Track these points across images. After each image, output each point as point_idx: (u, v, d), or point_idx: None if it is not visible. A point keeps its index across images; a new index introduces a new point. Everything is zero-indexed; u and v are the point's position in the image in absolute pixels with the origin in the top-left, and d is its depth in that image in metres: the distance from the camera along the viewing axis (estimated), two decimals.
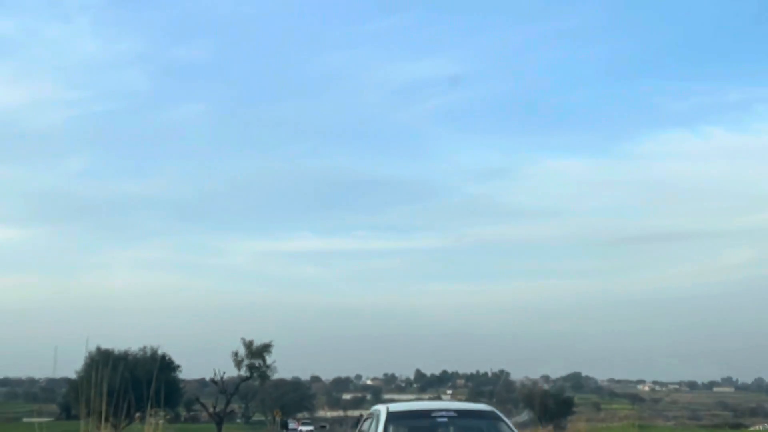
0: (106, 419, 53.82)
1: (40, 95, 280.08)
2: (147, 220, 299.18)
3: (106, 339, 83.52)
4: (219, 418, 52.86)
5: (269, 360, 56.61)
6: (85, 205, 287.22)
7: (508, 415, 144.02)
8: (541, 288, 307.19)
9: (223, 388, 52.86)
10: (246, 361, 55.59)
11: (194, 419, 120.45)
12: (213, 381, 52.96)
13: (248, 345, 55.74)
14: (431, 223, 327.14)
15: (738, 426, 71.51)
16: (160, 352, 79.74)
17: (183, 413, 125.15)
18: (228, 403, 54.44)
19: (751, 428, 72.66)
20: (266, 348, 56.05)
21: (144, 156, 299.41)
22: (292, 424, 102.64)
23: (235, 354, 55.10)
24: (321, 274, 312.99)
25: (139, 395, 64.42)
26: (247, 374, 55.72)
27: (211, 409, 54.18)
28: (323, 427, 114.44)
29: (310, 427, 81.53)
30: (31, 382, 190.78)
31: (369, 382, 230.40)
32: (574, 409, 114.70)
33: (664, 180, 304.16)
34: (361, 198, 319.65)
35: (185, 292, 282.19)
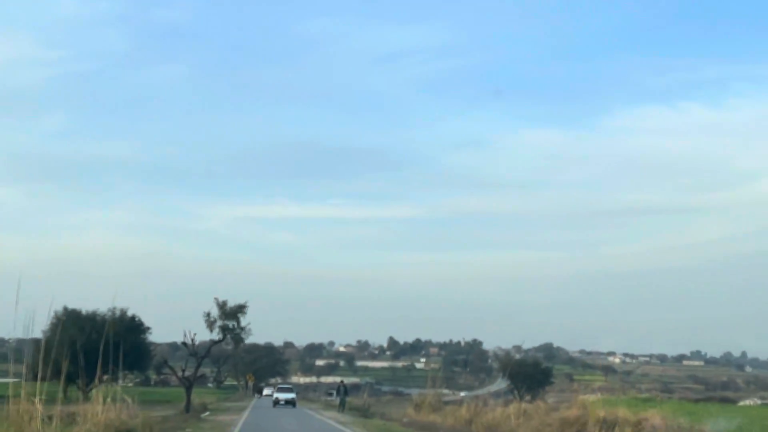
0: (73, 381, 49.07)
1: (17, 54, 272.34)
2: (123, 183, 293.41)
3: (79, 300, 79.03)
4: (189, 383, 48.82)
5: (244, 322, 52.36)
6: (60, 165, 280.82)
7: (482, 383, 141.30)
8: (515, 259, 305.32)
9: (193, 350, 48.77)
10: (219, 323, 51.43)
11: (164, 383, 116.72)
12: (183, 344, 48.78)
13: (221, 305, 51.58)
14: (408, 193, 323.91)
15: (727, 400, 68.54)
16: (129, 313, 75.78)
17: (153, 376, 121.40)
18: (198, 366, 50.40)
19: (741, 403, 69.90)
20: (241, 309, 51.91)
21: (121, 118, 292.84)
22: (267, 390, 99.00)
23: (207, 314, 50.88)
24: (297, 241, 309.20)
25: (107, 357, 59.16)
26: (220, 336, 51.60)
27: (180, 373, 50.01)
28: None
29: (290, 395, 65.20)
30: (1, 342, 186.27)
31: (342, 349, 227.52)
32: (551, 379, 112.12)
33: (640, 154, 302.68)
34: (339, 166, 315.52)
35: (160, 256, 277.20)
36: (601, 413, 32.13)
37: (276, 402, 63.33)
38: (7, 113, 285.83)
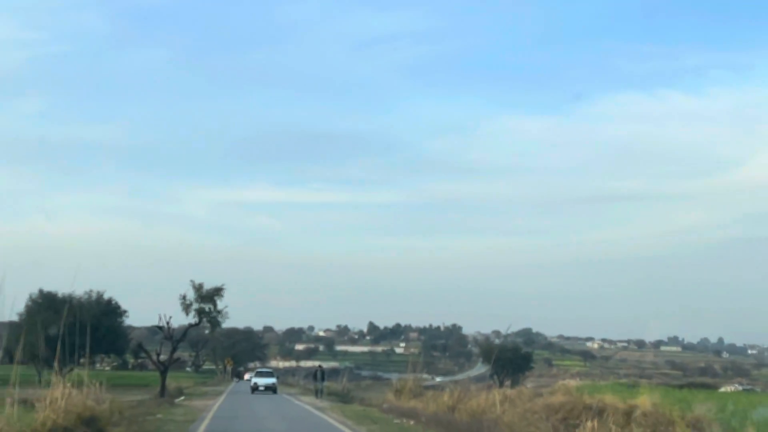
0: (49, 364, 47.53)
1: None
2: (103, 166, 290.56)
3: (56, 284, 77.24)
4: (164, 367, 47.41)
5: (220, 305, 50.92)
6: (38, 148, 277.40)
7: (462, 368, 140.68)
8: (494, 245, 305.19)
9: (169, 334, 47.28)
10: (195, 306, 50.00)
11: (142, 367, 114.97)
12: (158, 327, 47.32)
13: (198, 288, 50.13)
14: (388, 178, 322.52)
15: (707, 386, 67.99)
16: (106, 296, 74.13)
17: (131, 360, 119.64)
18: (174, 350, 48.88)
19: (722, 389, 69.35)
20: (218, 292, 50.50)
21: (100, 100, 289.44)
22: (249, 375, 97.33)
23: (183, 297, 49.45)
24: (276, 225, 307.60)
25: (83, 340, 57.47)
26: (196, 320, 50.20)
27: (155, 357, 48.60)
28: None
29: (270, 380, 59.96)
30: None
31: (321, 333, 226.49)
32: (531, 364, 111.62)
33: (619, 142, 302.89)
34: (320, 150, 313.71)
35: (139, 239, 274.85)
36: (588, 400, 31.17)
37: (254, 388, 57.72)
38: None
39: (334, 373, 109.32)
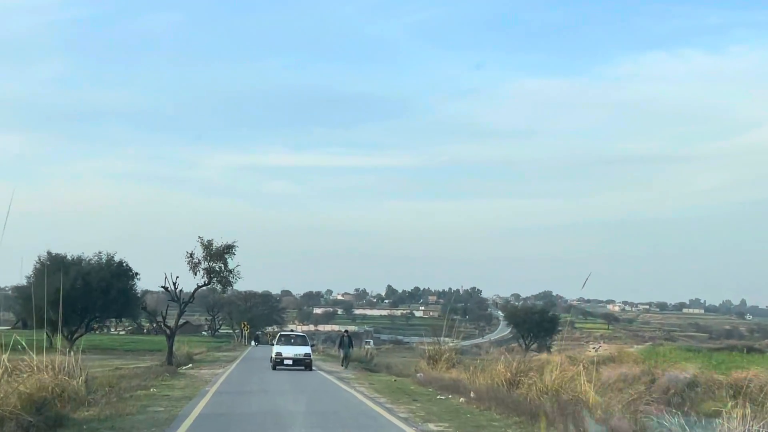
0: (57, 329, 42.01)
1: (12, 0, 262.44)
2: (119, 131, 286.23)
3: (74, 249, 72.39)
4: (171, 331, 42.04)
5: (232, 264, 45.32)
6: (56, 113, 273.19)
7: (482, 332, 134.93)
8: (513, 208, 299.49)
9: (175, 295, 41.77)
10: (203, 265, 44.51)
11: (159, 331, 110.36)
12: (164, 288, 41.83)
13: (206, 245, 44.58)
14: (406, 141, 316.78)
15: (753, 350, 62.17)
16: (116, 258, 69.02)
17: (146, 325, 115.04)
18: (181, 313, 43.50)
19: None
20: (228, 249, 44.93)
21: (117, 65, 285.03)
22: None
23: (190, 255, 43.96)
24: (293, 189, 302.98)
25: (93, 303, 51.43)
26: (205, 280, 44.72)
27: (159, 319, 43.27)
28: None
29: (302, 349, 38.84)
30: None
31: (340, 297, 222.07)
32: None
33: (640, 103, 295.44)
34: (336, 114, 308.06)
35: (156, 205, 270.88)
36: (673, 370, 25.84)
37: (278, 362, 37.62)
38: (2, 60, 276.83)
39: (354, 336, 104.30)
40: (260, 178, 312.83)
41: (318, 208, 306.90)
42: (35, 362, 19.65)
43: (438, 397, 22.22)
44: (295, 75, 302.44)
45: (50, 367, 20.06)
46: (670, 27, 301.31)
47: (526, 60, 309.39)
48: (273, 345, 41.45)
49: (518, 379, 20.65)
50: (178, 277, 41.78)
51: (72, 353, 22.34)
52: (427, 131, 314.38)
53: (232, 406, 19.29)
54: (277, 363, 37.75)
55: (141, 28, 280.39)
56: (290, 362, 37.65)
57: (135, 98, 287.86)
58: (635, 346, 77.01)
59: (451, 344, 37.25)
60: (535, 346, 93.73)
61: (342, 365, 40.85)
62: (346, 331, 48.27)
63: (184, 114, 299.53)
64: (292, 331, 60.72)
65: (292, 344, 39.97)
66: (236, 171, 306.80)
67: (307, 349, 39.13)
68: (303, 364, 37.52)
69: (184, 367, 39.02)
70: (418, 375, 30.73)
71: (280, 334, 44.46)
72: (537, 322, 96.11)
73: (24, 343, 19.35)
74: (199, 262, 44.53)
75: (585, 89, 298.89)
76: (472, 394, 20.99)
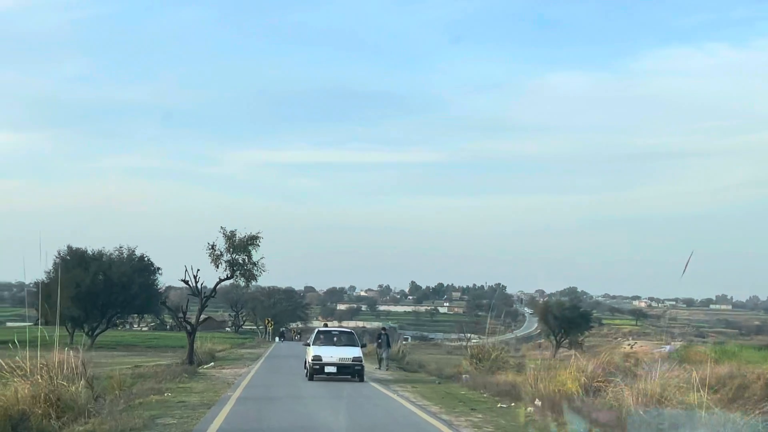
0: (78, 325, 38.93)
1: None
2: (142, 127, 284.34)
3: (94, 243, 69.64)
4: (192, 327, 38.71)
5: (256, 256, 41.78)
6: (80, 110, 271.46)
7: (509, 328, 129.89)
8: (536, 203, 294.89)
9: (195, 289, 38.38)
10: (226, 257, 41.08)
11: (182, 328, 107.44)
12: (184, 281, 38.44)
13: (229, 236, 41.15)
14: (429, 137, 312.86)
15: None
16: (138, 252, 66.06)
17: (169, 321, 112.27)
18: (203, 308, 40.08)
19: None
20: (253, 240, 41.41)
21: (142, 62, 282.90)
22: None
23: (212, 247, 40.53)
24: (316, 186, 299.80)
25: (114, 299, 48.12)
26: (227, 273, 41.30)
27: (180, 315, 39.90)
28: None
29: (350, 352, 28.57)
30: (21, 286, 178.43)
31: (363, 293, 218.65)
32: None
33: (665, 97, 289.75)
34: (359, 110, 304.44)
35: (178, 200, 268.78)
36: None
37: (317, 370, 27.80)
38: (28, 58, 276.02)
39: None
40: (283, 174, 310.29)
41: (341, 204, 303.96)
42: (28, 364, 16.49)
43: (499, 405, 18.75)
44: (318, 71, 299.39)
45: (45, 368, 16.87)
46: (694, 20, 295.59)
47: (550, 55, 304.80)
48: (307, 345, 30.66)
49: (596, 384, 17.11)
50: (198, 269, 38.45)
51: (80, 350, 19.20)
52: (450, 127, 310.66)
53: (258, 418, 15.90)
54: (316, 371, 27.34)
55: (165, 24, 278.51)
56: (333, 370, 27.37)
57: (158, 95, 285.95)
58: (673, 343, 73.16)
59: (490, 341, 33.60)
60: (566, 342, 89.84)
61: (381, 367, 35.89)
62: (384, 328, 42.85)
63: (207, 110, 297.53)
64: (326, 325, 48.14)
65: (335, 344, 29.15)
66: (259, 167, 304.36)
67: (356, 351, 28.42)
68: (351, 371, 27.54)
69: (205, 366, 35.80)
70: (464, 377, 27.25)
71: (318, 331, 32.53)
72: (568, 318, 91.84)
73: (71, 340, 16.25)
74: (222, 254, 41.19)
75: (609, 84, 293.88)
76: (537, 402, 17.55)
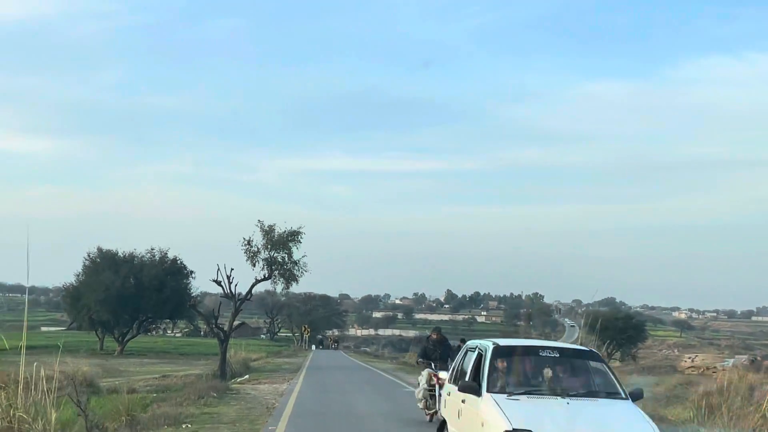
0: (109, 330, 33.56)
1: (74, 6, 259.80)
2: (178, 135, 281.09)
3: (126, 246, 64.87)
4: (224, 334, 32.91)
5: (297, 255, 35.98)
6: (118, 118, 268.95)
7: (548, 338, 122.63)
8: (574, 213, 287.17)
9: (229, 290, 32.59)
10: (263, 254, 35.36)
11: (215, 334, 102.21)
12: (216, 282, 32.66)
13: (267, 231, 35.42)
14: (465, 145, 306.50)
15: None
16: (170, 255, 61.19)
17: (203, 327, 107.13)
18: (236, 312, 34.30)
19: None
20: (294, 236, 35.65)
21: (177, 70, 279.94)
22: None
23: (248, 243, 34.87)
24: (351, 194, 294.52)
25: (145, 303, 42.56)
26: (265, 273, 35.54)
27: (212, 320, 34.08)
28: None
29: None
30: (57, 290, 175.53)
31: (398, 301, 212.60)
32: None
33: (704, 107, 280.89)
34: (395, 118, 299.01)
35: (214, 208, 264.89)
36: None
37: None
38: (66, 66, 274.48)
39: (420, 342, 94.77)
40: (319, 183, 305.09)
41: (376, 213, 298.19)
42: None
43: None
44: (354, 79, 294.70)
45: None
46: (735, 30, 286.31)
47: (588, 63, 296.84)
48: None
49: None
50: (232, 269, 32.82)
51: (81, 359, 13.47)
52: (487, 135, 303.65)
53: None
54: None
55: (202, 33, 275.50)
56: None
57: (195, 103, 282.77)
58: (737, 357, 66.27)
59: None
60: (617, 354, 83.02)
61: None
62: (462, 339, 31.47)
63: (243, 118, 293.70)
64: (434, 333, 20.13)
65: (558, 394, 9.04)
66: (295, 175, 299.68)
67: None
68: None
69: (239, 380, 30.03)
70: None
71: (496, 349, 9.84)
72: (621, 328, 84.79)
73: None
74: (259, 251, 35.62)
75: (648, 93, 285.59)
76: None
